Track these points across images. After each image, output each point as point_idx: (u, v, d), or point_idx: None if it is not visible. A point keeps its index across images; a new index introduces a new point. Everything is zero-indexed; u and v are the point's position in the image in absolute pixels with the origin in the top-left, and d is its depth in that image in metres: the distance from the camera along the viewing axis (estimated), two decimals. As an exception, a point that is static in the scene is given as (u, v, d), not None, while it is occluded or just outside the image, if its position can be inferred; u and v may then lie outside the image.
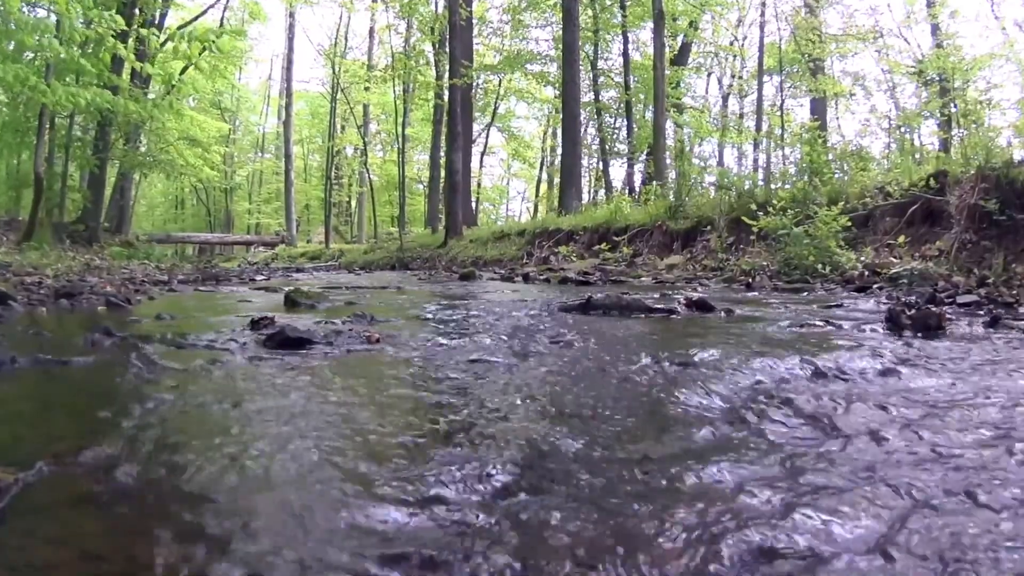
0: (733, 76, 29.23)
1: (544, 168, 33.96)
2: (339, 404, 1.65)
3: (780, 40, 22.36)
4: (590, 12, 22.29)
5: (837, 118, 26.25)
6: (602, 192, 23.20)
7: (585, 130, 24.24)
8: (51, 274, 7.90)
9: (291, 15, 30.97)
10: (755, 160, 22.60)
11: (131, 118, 14.95)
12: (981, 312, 3.61)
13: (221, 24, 21.77)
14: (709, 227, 9.52)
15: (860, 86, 23.61)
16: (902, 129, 20.31)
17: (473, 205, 26.21)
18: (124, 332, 2.77)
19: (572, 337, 2.71)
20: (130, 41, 11.20)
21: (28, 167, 15.36)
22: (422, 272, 11.98)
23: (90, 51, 10.87)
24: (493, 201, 42.87)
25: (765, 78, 23.73)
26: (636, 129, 21.94)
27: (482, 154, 33.41)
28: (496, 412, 1.61)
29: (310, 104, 39.11)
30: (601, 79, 24.29)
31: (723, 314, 3.62)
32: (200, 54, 7.77)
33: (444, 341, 2.71)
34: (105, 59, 9.95)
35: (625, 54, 22.32)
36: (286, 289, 5.28)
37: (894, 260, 6.38)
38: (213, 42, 7.52)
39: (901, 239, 6.76)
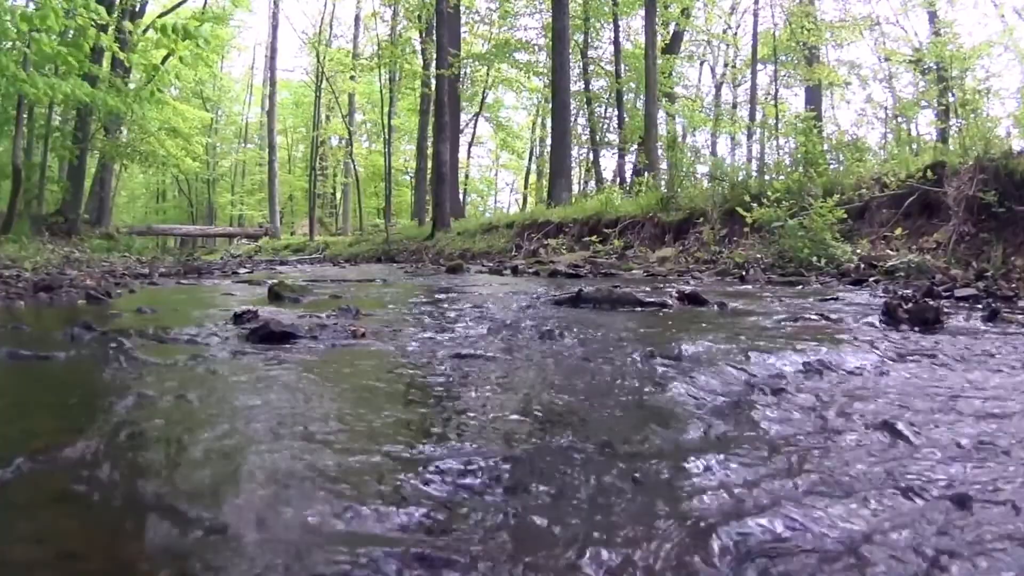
0: (726, 65, 29.21)
1: (533, 159, 33.86)
2: (324, 400, 1.63)
3: (774, 28, 22.36)
4: (580, -1, 22.16)
5: (832, 108, 26.33)
6: (592, 183, 23.17)
7: (575, 120, 24.16)
8: (29, 267, 7.79)
9: (275, 2, 30.64)
10: (749, 150, 22.63)
11: (111, 111, 14.78)
12: (979, 306, 3.60)
13: (203, 11, 21.41)
14: (702, 219, 9.50)
15: (856, 75, 23.64)
16: (899, 119, 20.42)
17: (461, 196, 26.17)
18: (104, 326, 2.72)
19: (561, 331, 2.68)
20: (110, 30, 11.05)
21: (6, 158, 15.11)
22: (409, 265, 11.91)
23: (69, 42, 10.71)
24: (481, 193, 42.81)
25: (759, 67, 23.78)
26: (627, 119, 21.91)
27: (470, 144, 33.34)
28: (484, 408, 1.59)
29: (294, 93, 38.79)
30: (591, 68, 24.22)
31: (716, 308, 3.60)
32: (184, 40, 7.61)
33: (431, 335, 2.69)
34: (85, 49, 9.81)
35: (616, 42, 22.25)
36: (270, 282, 5.24)
37: (891, 253, 6.37)
38: (198, 25, 7.36)
39: (898, 231, 6.76)
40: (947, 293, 4.18)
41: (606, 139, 25.38)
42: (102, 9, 8.50)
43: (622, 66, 22.23)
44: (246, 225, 36.24)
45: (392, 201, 26.23)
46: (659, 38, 19.51)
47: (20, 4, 10.58)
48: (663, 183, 12.38)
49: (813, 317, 3.09)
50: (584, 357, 2.20)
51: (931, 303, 3.05)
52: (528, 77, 27.93)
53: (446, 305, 3.98)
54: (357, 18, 31.26)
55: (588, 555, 0.86)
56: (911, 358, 2.11)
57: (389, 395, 1.78)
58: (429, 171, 20.45)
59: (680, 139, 19.06)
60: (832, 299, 4.11)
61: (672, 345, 2.25)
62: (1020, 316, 3.09)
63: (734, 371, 1.89)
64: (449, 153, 18.01)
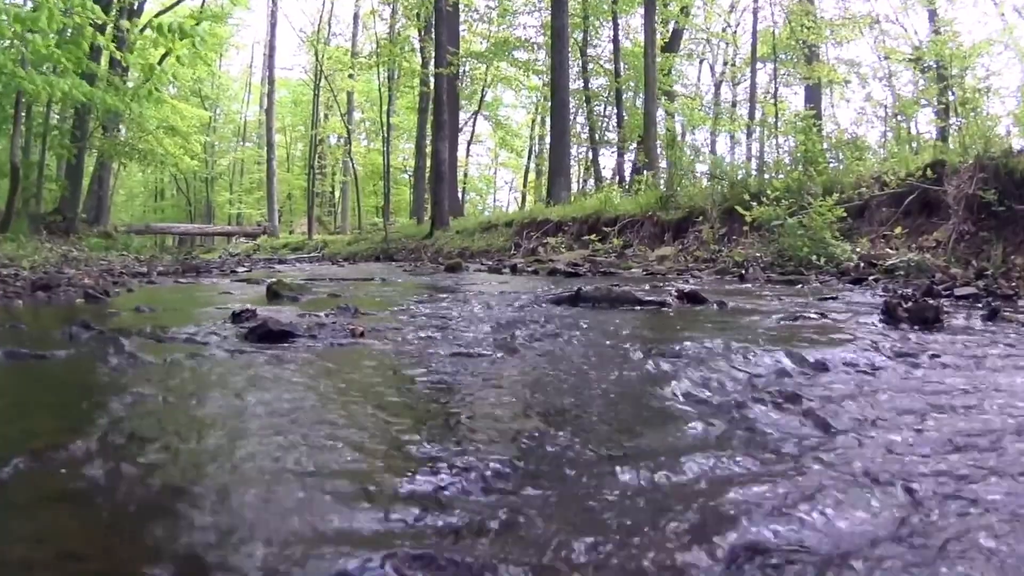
0: (726, 63, 29.16)
1: (532, 157, 33.82)
2: (322, 398, 1.62)
3: (774, 26, 22.33)
4: (579, -4, 22.12)
5: (832, 106, 26.24)
6: (592, 182, 23.15)
7: (574, 118, 24.14)
8: (27, 266, 7.77)
9: (273, 0, 30.56)
10: (748, 149, 22.59)
11: (109, 109, 14.76)
12: (979, 305, 3.59)
13: (201, 9, 21.36)
14: (701, 218, 9.47)
15: (855, 73, 23.61)
16: (898, 118, 20.40)
17: (460, 195, 26.13)
18: (103, 325, 2.71)
19: (560, 330, 2.68)
20: (108, 29, 11.03)
21: (4, 156, 15.03)
22: (407, 263, 11.90)
23: (68, 40, 10.70)
24: (480, 191, 42.76)
25: (758, 65, 23.74)
26: (626, 117, 21.89)
27: (469, 143, 33.29)
28: (483, 407, 1.59)
29: (293, 92, 38.73)
30: (591, 66, 24.20)
31: (715, 306, 3.59)
32: (181, 41, 7.61)
33: (429, 334, 2.68)
34: (84, 47, 9.81)
35: (615, 40, 22.23)
36: (268, 281, 5.23)
37: (890, 251, 6.36)
38: (195, 25, 7.36)
39: (898, 230, 6.74)
40: (947, 292, 4.17)
41: (605, 137, 25.36)
42: (98, 8, 8.49)
43: (621, 64, 22.21)
44: (244, 224, 36.22)
45: (391, 200, 26.20)
46: (658, 36, 19.48)
47: (19, 2, 10.58)
48: (662, 182, 12.38)
49: (812, 316, 3.08)
50: (583, 356, 2.19)
51: (931, 302, 3.04)
52: (527, 75, 27.92)
53: (445, 304, 3.97)
54: (356, 16, 31.24)
55: (587, 555, 0.85)
56: (911, 357, 2.10)
57: (388, 394, 1.77)
58: (428, 169, 20.44)
59: (679, 138, 19.08)
60: (832, 298, 4.11)
61: (671, 344, 2.24)
62: (1020, 315, 3.08)
63: (733, 370, 1.89)
64: (448, 151, 17.99)
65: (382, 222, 21.78)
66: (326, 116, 32.15)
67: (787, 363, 1.97)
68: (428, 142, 20.50)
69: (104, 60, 15.29)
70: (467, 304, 3.93)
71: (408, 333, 2.70)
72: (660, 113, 19.79)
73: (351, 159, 30.19)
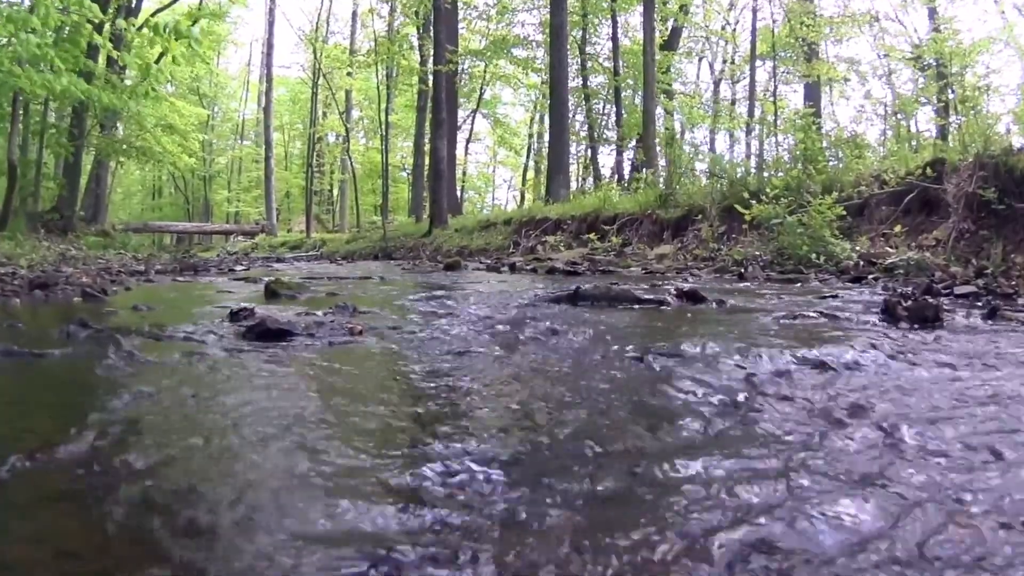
0: (725, 61, 29.17)
1: (531, 155, 33.80)
2: (320, 398, 1.62)
3: (773, 24, 22.32)
4: (578, -6, 22.08)
5: (832, 104, 26.21)
6: (590, 180, 23.11)
7: (573, 116, 24.12)
8: (25, 264, 7.75)
9: (272, -2, 30.49)
10: (747, 147, 22.55)
11: (107, 107, 14.72)
12: (979, 303, 3.60)
13: (199, 7, 21.28)
14: (700, 216, 9.46)
15: (855, 71, 23.58)
16: (898, 116, 20.37)
17: (458, 193, 26.12)
18: (100, 324, 2.72)
19: (559, 329, 2.68)
20: (106, 28, 11.00)
21: (1, 155, 14.99)
22: (406, 262, 11.89)
23: (65, 38, 10.67)
24: (479, 189, 42.73)
25: (758, 63, 23.71)
26: (625, 115, 21.85)
27: (467, 141, 33.23)
28: (482, 406, 1.60)
29: (291, 90, 38.69)
30: (590, 64, 24.17)
31: (715, 305, 3.59)
32: (176, 41, 7.57)
33: (428, 333, 2.69)
34: (81, 45, 9.79)
35: (614, 38, 22.20)
36: (266, 279, 5.23)
37: (890, 250, 6.35)
38: (191, 25, 7.33)
39: (897, 228, 6.74)
40: (947, 291, 4.18)
41: (604, 136, 25.32)
42: (95, 7, 8.46)
43: (620, 62, 22.16)
44: (243, 222, 36.16)
45: (389, 198, 26.14)
46: (657, 34, 19.44)
47: (17, 1, 10.54)
48: (661, 180, 12.35)
49: (812, 315, 3.08)
50: (582, 355, 2.20)
51: (930, 301, 3.04)
52: (526, 73, 27.86)
53: (443, 303, 3.97)
54: (354, 14, 31.24)
55: (587, 554, 0.85)
56: (910, 356, 2.10)
57: (386, 393, 1.77)
58: (427, 168, 20.42)
59: (678, 136, 19.02)
60: (831, 297, 4.11)
61: (671, 343, 2.24)
62: (1020, 314, 3.08)
63: (733, 369, 1.89)
64: (446, 150, 17.96)
65: (380, 220, 21.71)
66: (324, 114, 32.10)
67: (786, 362, 1.97)
68: (427, 140, 20.46)
69: (102, 58, 15.25)
70: (465, 302, 3.93)
71: (407, 331, 2.70)
72: (659, 111, 19.78)
73: (349, 157, 30.15)
